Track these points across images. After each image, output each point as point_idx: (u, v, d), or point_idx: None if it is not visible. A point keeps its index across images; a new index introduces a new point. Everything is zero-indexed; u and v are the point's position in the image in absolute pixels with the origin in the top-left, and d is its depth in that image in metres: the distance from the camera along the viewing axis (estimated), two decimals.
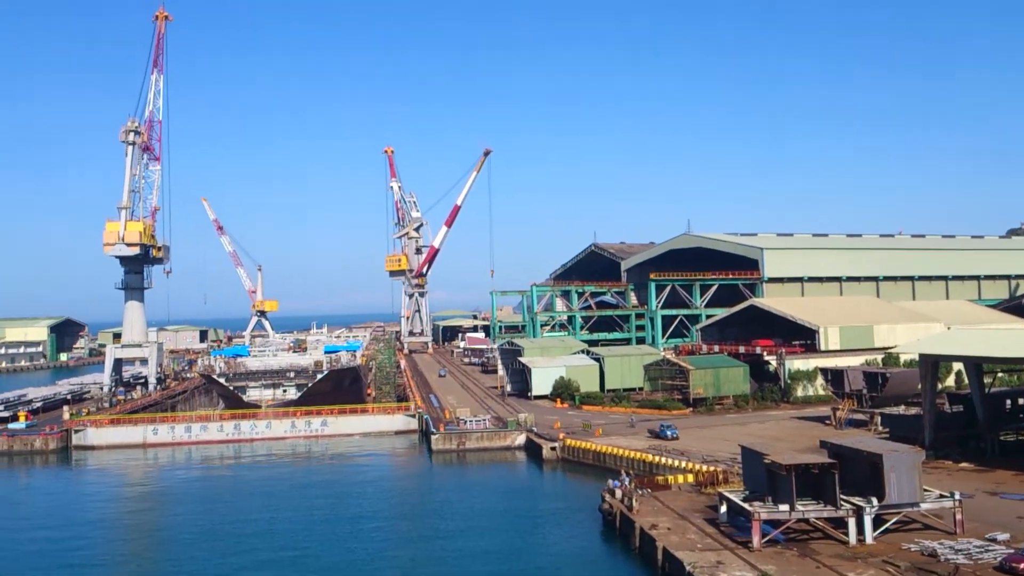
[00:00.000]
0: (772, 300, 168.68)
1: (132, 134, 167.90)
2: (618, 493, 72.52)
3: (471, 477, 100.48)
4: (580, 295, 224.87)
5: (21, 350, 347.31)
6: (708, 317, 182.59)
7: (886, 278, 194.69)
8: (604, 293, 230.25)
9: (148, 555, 72.91)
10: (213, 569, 64.95)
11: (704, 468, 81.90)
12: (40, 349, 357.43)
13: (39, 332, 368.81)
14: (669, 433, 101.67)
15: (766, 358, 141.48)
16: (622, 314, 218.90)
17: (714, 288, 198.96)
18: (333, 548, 69.19)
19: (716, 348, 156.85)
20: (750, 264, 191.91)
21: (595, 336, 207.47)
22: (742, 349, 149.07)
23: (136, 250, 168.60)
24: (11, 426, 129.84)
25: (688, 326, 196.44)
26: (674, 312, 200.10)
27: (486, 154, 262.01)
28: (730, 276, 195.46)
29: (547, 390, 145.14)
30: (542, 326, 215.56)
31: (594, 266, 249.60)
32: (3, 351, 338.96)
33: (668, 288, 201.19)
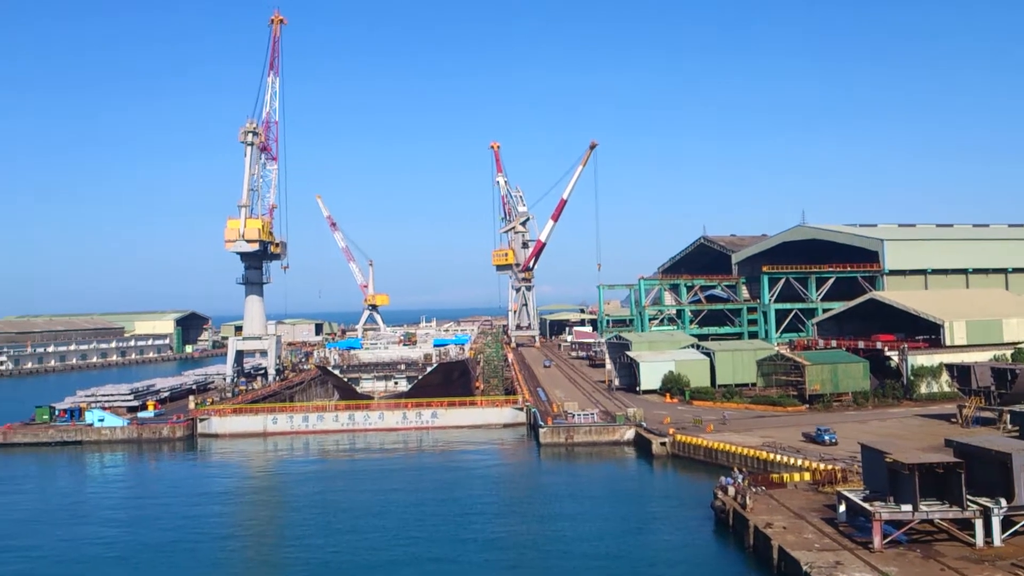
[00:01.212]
0: (893, 293, 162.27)
1: (250, 135, 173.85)
2: (731, 490, 71.16)
3: (579, 471, 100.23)
4: (689, 289, 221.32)
5: (150, 342, 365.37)
6: (825, 311, 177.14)
7: (1015, 270, 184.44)
8: (714, 287, 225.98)
9: (269, 539, 75.60)
10: (330, 554, 66.81)
11: (822, 466, 79.54)
12: (167, 341, 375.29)
13: (166, 325, 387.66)
14: (827, 438, 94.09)
15: (887, 353, 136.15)
16: (733, 308, 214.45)
17: (831, 281, 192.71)
18: (443, 538, 70.18)
19: (833, 343, 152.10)
20: (869, 256, 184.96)
21: (705, 330, 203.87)
22: (861, 344, 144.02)
23: (255, 246, 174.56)
24: (141, 415, 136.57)
25: (803, 320, 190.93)
26: (788, 306, 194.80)
27: (592, 147, 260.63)
28: (848, 269, 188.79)
29: (656, 385, 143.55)
30: (650, 320, 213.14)
31: (703, 259, 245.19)
32: (133, 343, 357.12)
33: (782, 281, 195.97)
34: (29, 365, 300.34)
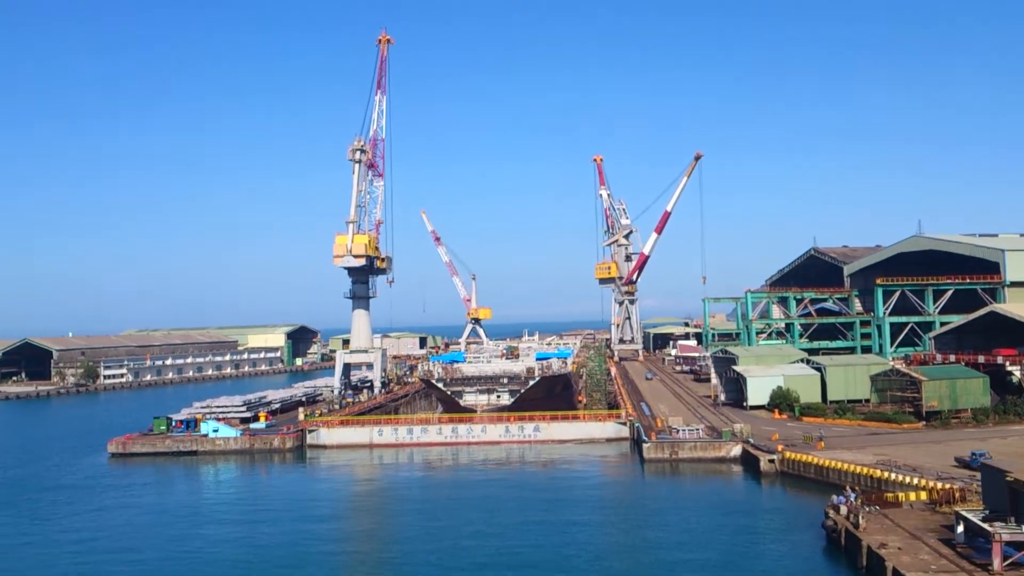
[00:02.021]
0: (1015, 306, 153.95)
1: (358, 152, 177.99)
2: (843, 509, 68.61)
3: (685, 488, 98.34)
4: (798, 302, 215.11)
5: (262, 355, 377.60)
6: (942, 325, 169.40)
7: None
8: (825, 299, 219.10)
9: (374, 550, 76.64)
10: (432, 567, 67.23)
11: (939, 485, 75.83)
12: (278, 354, 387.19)
13: (277, 339, 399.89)
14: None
15: (1009, 368, 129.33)
16: (845, 321, 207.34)
17: (949, 294, 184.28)
18: (547, 552, 69.79)
19: (952, 358, 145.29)
20: (989, 267, 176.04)
21: (815, 344, 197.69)
22: (981, 359, 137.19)
23: (362, 261, 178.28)
24: (253, 426, 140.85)
25: (919, 334, 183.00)
26: (904, 319, 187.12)
27: (697, 158, 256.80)
28: (967, 280, 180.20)
29: (763, 400, 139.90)
30: (758, 334, 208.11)
31: (813, 271, 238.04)
32: (246, 356, 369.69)
33: (897, 294, 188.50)
34: (148, 377, 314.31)
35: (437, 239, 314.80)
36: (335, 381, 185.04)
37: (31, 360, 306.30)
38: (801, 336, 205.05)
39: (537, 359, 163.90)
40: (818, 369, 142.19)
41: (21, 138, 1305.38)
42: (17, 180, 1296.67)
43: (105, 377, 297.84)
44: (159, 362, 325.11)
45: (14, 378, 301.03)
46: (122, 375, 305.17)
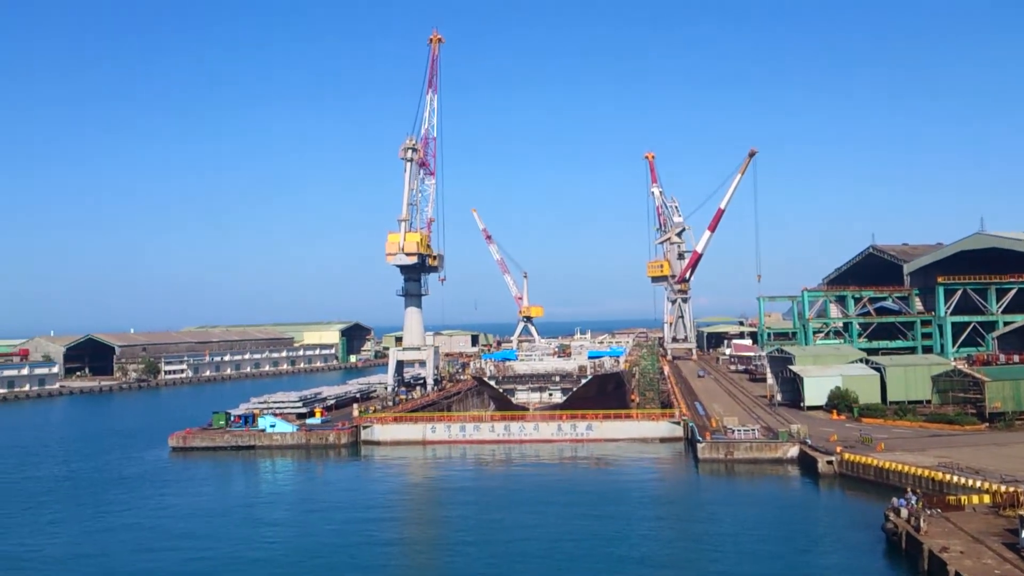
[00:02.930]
0: None
1: (410, 151, 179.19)
2: (904, 512, 67.22)
3: (740, 489, 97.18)
4: (857, 300, 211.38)
5: (317, 352, 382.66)
6: (1006, 324, 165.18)
7: None
8: (884, 298, 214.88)
9: (426, 546, 77.19)
10: (485, 564, 67.48)
11: (1003, 488, 73.90)
12: (333, 351, 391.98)
13: (332, 336, 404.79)
14: None
15: None
16: (905, 321, 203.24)
17: (1012, 292, 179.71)
18: (600, 551, 69.54)
19: (1016, 358, 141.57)
20: None
21: (874, 344, 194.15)
22: None
23: (414, 259, 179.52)
24: (309, 421, 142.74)
25: (982, 334, 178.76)
26: (966, 319, 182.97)
27: (751, 155, 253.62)
28: None
29: (821, 400, 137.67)
30: (815, 333, 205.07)
31: (872, 270, 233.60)
32: (302, 353, 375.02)
33: (959, 293, 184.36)
34: (207, 373, 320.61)
35: (488, 237, 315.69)
36: (388, 378, 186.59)
37: (94, 356, 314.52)
38: (860, 336, 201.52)
39: (589, 357, 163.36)
40: (877, 369, 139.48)
41: (94, 142, 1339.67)
42: (96, 181, 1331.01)
43: (166, 372, 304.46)
44: (218, 358, 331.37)
45: (78, 373, 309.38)
46: (182, 371, 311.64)
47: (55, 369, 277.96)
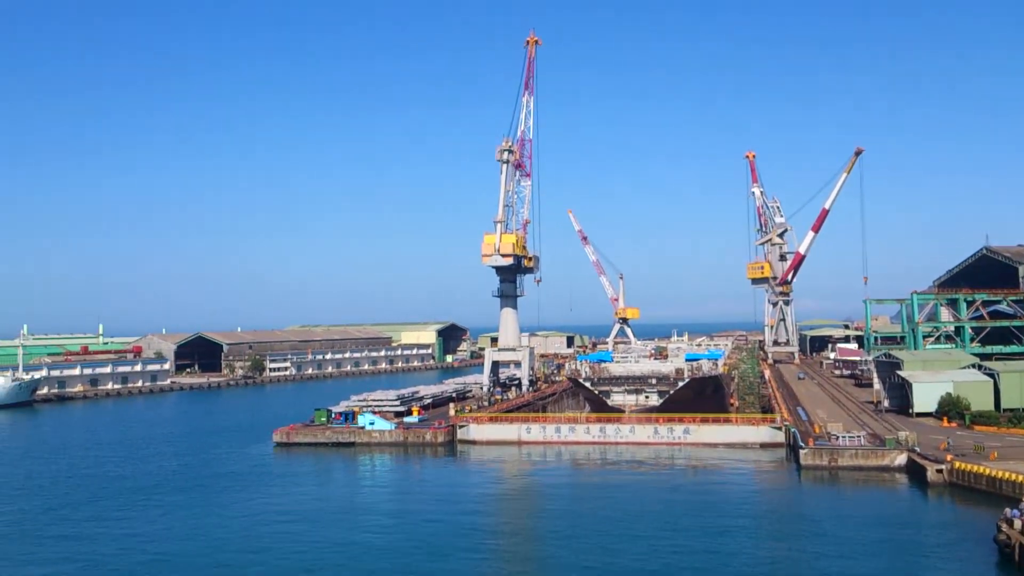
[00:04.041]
0: None
1: (506, 153, 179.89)
2: (1017, 523, 63.89)
3: (845, 497, 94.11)
4: (969, 304, 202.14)
5: (414, 351, 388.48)
6: None
7: None
8: (999, 301, 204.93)
9: (520, 546, 77.21)
10: (580, 567, 66.98)
11: None
12: (429, 351, 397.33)
13: (429, 336, 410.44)
14: None
15: None
16: (1021, 325, 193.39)
17: None
18: (697, 559, 68.25)
19: None
20: None
21: (987, 349, 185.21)
22: None
23: (510, 260, 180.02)
24: (406, 420, 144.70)
25: None
26: None
27: (857, 154, 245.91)
28: None
29: (931, 407, 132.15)
30: (924, 337, 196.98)
31: (985, 272, 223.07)
32: (399, 352, 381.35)
33: None
34: (309, 371, 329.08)
35: (584, 238, 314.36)
36: (484, 378, 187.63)
37: (203, 353, 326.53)
38: (972, 340, 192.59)
39: (686, 360, 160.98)
40: (991, 375, 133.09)
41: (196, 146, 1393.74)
42: (200, 183, 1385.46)
43: (270, 370, 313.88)
44: (319, 356, 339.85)
45: (188, 370, 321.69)
46: (286, 368, 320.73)
47: (166, 366, 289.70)
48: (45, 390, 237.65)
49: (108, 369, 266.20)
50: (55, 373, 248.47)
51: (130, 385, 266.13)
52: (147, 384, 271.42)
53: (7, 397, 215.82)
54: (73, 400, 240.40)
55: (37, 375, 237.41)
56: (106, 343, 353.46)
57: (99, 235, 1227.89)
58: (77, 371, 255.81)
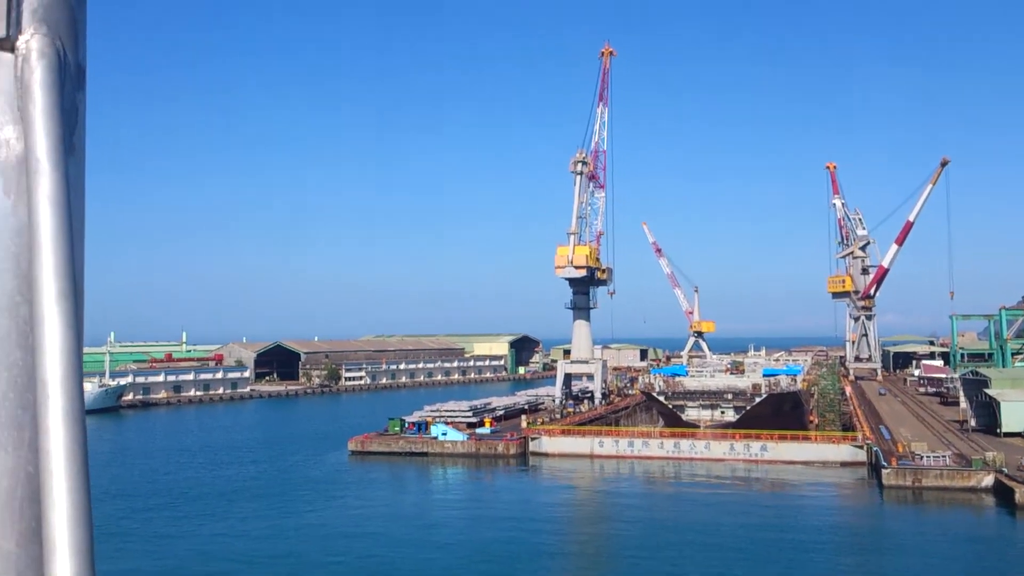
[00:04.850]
0: None
1: (580, 164, 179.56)
2: None
3: (928, 519, 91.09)
4: None
5: (486, 363, 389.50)
6: None
7: None
8: None
9: (594, 558, 76.61)
10: None
11: None
12: (502, 363, 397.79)
13: (501, 347, 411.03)
14: None
15: None
16: None
17: None
18: (777, 568, 66.73)
19: None
20: None
21: None
22: None
23: (583, 272, 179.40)
24: (478, 431, 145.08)
25: None
26: None
27: (943, 164, 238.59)
28: None
29: (1019, 427, 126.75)
30: (1014, 355, 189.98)
31: None
32: (472, 363, 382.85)
33: None
34: (383, 380, 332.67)
35: (658, 251, 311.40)
36: (556, 391, 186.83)
37: (281, 361, 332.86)
38: None
39: (764, 375, 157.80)
40: None
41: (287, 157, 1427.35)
42: (266, 194, 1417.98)
43: (346, 379, 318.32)
44: (393, 366, 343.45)
45: (267, 378, 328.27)
46: (360, 377, 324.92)
47: (247, 374, 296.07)
48: (130, 396, 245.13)
49: (191, 376, 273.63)
50: (140, 379, 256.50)
51: (211, 392, 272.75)
52: (228, 391, 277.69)
53: (94, 402, 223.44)
54: (157, 406, 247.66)
55: (123, 381, 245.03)
56: (189, 351, 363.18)
57: (183, 245, 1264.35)
58: (161, 378, 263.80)
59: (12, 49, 2.49)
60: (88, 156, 2.60)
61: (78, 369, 1.84)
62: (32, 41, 2.47)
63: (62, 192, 2.28)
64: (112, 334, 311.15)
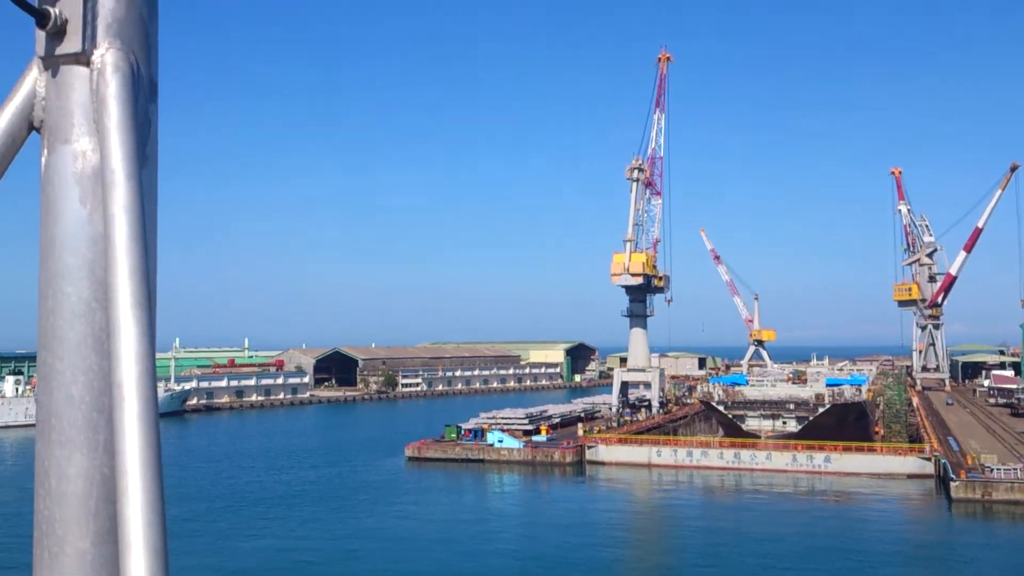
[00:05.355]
0: None
1: (636, 171, 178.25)
2: None
3: (999, 533, 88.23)
4: None
5: (542, 370, 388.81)
6: None
7: None
8: None
9: (652, 568, 75.53)
10: None
11: None
12: (558, 370, 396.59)
13: (557, 355, 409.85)
14: None
15: None
16: None
17: None
18: None
19: None
20: None
21: None
22: None
23: (639, 280, 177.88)
24: (535, 438, 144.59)
25: None
26: None
27: (1013, 169, 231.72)
28: None
29: None
30: None
31: None
32: (528, 371, 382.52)
33: None
34: (439, 387, 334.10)
35: (717, 258, 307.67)
36: (613, 399, 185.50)
37: (340, 367, 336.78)
38: None
39: (827, 385, 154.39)
40: None
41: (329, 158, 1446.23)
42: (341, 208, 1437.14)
43: (403, 385, 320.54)
44: (449, 373, 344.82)
45: (326, 383, 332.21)
46: (417, 384, 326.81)
47: (306, 379, 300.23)
48: (195, 400, 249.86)
49: (252, 381, 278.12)
50: (204, 384, 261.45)
51: (272, 397, 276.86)
52: (288, 396, 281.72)
53: (161, 406, 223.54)
54: (220, 410, 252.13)
55: (187, 386, 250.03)
56: (251, 356, 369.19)
57: (247, 252, 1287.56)
58: (224, 383, 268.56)
59: (88, 63, 2.67)
60: (161, 164, 2.92)
61: (152, 373, 2.33)
62: (107, 55, 2.64)
63: (136, 202, 2.46)
64: (177, 340, 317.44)
